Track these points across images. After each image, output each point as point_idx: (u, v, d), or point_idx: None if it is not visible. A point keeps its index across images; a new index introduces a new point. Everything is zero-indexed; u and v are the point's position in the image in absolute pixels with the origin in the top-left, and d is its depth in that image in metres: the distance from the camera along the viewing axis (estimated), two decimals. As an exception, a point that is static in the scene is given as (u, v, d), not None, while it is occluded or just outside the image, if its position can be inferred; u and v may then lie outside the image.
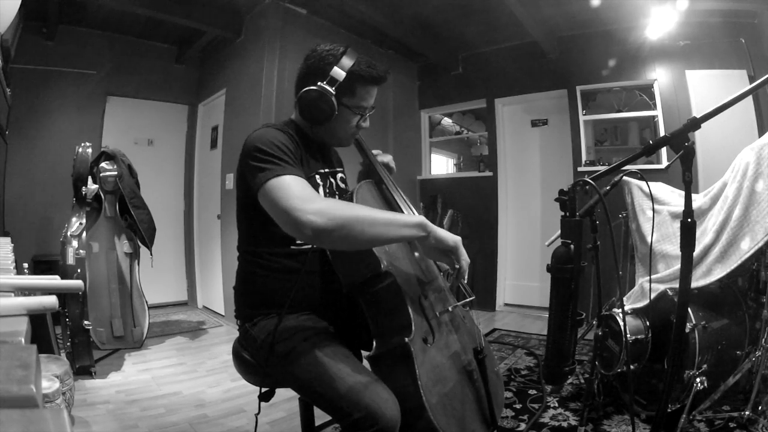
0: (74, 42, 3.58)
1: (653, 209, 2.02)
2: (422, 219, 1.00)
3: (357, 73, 1.09)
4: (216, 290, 3.88)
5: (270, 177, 0.93)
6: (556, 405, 2.05)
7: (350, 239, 0.90)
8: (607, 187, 1.76)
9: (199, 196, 4.32)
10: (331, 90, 1.07)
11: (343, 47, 1.11)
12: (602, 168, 1.69)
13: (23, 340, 0.50)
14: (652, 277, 1.96)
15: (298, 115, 1.16)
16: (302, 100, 1.08)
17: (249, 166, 0.99)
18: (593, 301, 2.79)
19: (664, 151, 3.17)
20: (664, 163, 3.39)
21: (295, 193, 0.91)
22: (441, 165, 5.41)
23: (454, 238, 1.03)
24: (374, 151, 1.32)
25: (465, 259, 1.04)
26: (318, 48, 1.12)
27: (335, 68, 1.07)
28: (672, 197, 2.16)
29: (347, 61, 1.08)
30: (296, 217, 0.87)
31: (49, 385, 0.80)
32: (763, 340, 1.64)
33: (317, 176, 1.17)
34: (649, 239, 2.08)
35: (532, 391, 2.21)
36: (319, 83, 1.07)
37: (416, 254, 1.17)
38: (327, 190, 1.19)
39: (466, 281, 1.06)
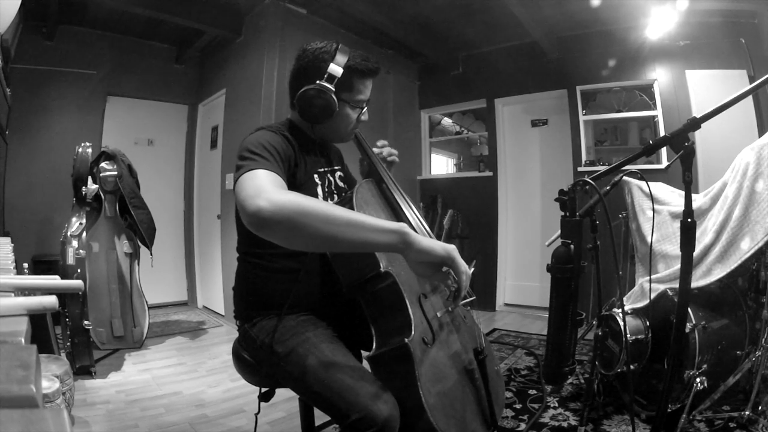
0: (74, 42, 3.57)
1: (653, 209, 2.02)
2: (402, 227, 0.82)
3: (353, 68, 1.10)
4: (216, 290, 3.88)
5: (244, 172, 0.88)
6: (556, 405, 2.05)
7: (298, 234, 0.76)
8: (607, 187, 1.76)
9: (199, 196, 4.32)
10: (331, 87, 1.07)
11: (335, 43, 1.11)
12: (602, 168, 1.69)
13: (23, 340, 0.50)
14: (652, 277, 1.96)
15: (296, 115, 1.16)
16: (302, 100, 1.08)
17: (235, 167, 0.97)
18: (593, 301, 2.79)
19: (664, 151, 3.17)
20: (664, 163, 3.39)
21: (258, 183, 0.83)
22: (441, 165, 5.41)
23: (445, 248, 0.85)
24: (379, 143, 1.32)
25: (464, 271, 0.86)
26: (309, 47, 1.12)
27: (331, 65, 1.07)
28: (672, 197, 2.16)
29: (342, 57, 1.08)
30: (249, 204, 0.76)
31: (49, 385, 0.80)
32: (763, 340, 1.64)
33: (315, 176, 1.17)
34: (649, 239, 2.08)
35: (532, 391, 2.21)
36: (317, 81, 1.07)
37: None
38: (326, 189, 1.19)
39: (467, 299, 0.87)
